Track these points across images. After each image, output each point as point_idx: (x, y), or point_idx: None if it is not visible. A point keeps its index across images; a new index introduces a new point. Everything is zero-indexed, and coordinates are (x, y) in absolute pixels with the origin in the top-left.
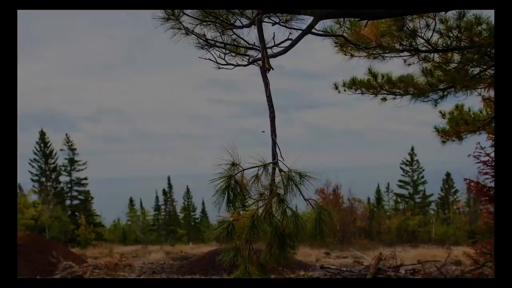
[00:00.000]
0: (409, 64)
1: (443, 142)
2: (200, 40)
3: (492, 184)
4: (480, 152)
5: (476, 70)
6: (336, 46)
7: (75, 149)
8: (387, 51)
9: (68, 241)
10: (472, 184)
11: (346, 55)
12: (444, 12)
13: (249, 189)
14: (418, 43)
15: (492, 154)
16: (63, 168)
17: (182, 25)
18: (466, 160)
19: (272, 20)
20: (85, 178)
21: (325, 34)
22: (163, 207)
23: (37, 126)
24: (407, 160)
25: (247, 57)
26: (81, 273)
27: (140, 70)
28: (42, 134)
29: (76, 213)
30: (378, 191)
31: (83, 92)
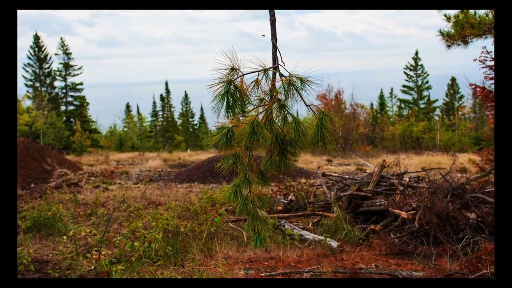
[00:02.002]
0: None
1: (448, 46)
2: None
3: None
4: (486, 57)
5: None
6: None
7: (71, 53)
8: None
9: (63, 148)
10: (478, 89)
11: None
12: None
13: (249, 95)
14: None
15: None
16: (58, 73)
17: None
18: (471, 65)
19: None
20: (81, 83)
21: None
22: (160, 113)
23: (31, 29)
24: (411, 65)
25: None
26: (76, 181)
27: None
28: (37, 38)
29: (71, 119)
30: (381, 96)
31: None
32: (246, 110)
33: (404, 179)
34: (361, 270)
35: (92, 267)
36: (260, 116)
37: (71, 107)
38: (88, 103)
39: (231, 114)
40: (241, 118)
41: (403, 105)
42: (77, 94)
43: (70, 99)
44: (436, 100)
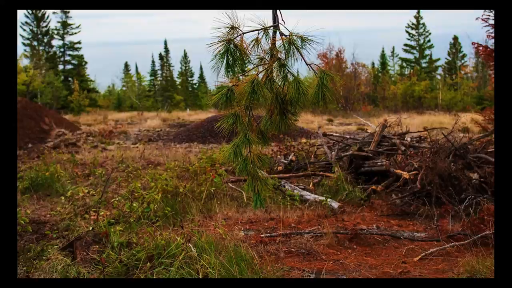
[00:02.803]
0: None
1: None
2: None
3: None
4: (489, 15)
5: None
6: None
7: (68, 12)
8: None
9: (61, 108)
10: (481, 48)
11: None
12: None
13: (248, 54)
14: None
15: None
16: (55, 32)
17: None
18: (474, 24)
19: None
20: (79, 42)
21: None
22: (159, 72)
23: None
24: (412, 23)
25: None
26: (74, 141)
27: None
28: None
29: (69, 78)
30: (383, 55)
31: None
32: (246, 69)
33: (406, 139)
34: (362, 231)
35: (90, 228)
36: (260, 75)
37: (69, 66)
38: (86, 62)
39: (231, 73)
40: (241, 77)
41: (404, 64)
42: (75, 53)
43: (68, 58)
44: (438, 59)
